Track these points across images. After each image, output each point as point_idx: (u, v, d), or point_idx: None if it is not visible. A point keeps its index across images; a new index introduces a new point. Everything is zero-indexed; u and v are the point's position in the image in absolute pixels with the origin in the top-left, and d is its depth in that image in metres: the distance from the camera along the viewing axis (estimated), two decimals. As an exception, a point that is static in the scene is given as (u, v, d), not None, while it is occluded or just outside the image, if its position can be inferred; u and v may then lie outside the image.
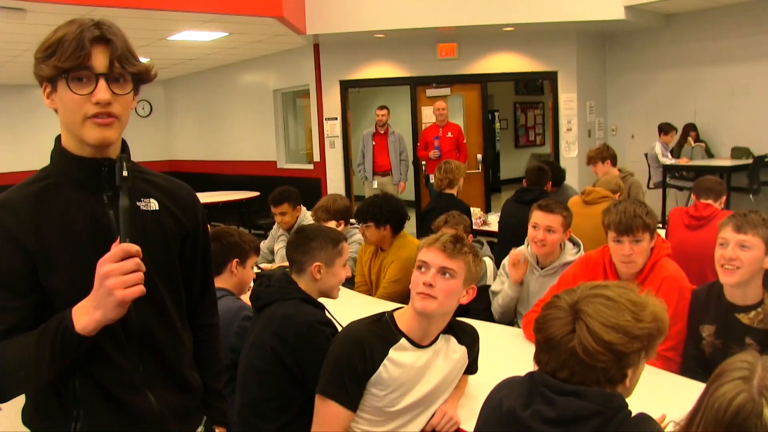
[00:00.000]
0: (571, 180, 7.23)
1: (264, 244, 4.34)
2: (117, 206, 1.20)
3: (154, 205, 1.32)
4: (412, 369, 1.81)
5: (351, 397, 1.75)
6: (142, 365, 1.30)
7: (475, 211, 5.12)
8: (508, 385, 1.37)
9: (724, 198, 3.77)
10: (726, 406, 1.04)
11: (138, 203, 1.30)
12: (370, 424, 1.80)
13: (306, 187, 6.76)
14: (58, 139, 1.28)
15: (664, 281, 2.37)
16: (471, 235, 3.28)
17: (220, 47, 8.00)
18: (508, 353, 2.47)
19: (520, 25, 7.31)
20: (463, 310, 3.03)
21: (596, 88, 8.49)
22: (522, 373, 1.33)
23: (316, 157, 8.57)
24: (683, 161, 7.39)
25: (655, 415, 1.25)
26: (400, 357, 1.79)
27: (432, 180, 5.94)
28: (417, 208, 7.92)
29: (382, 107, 7.70)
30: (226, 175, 10.22)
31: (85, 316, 1.15)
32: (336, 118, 8.24)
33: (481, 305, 3.14)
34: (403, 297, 2.99)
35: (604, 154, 5.22)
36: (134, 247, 1.15)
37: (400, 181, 7.69)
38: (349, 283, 3.54)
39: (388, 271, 3.41)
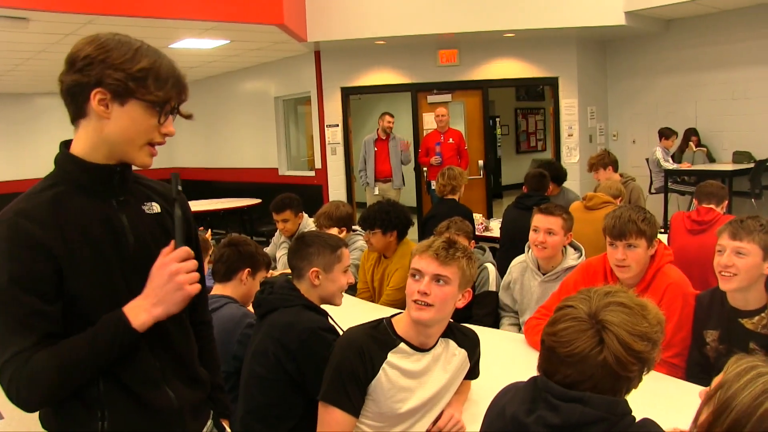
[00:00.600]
0: (573, 185, 7.23)
1: (266, 252, 4.33)
2: (129, 211, 1.31)
3: (156, 208, 1.39)
4: (412, 373, 1.80)
5: (353, 402, 1.74)
6: (159, 361, 1.34)
7: (477, 217, 5.12)
8: (511, 391, 1.36)
9: (726, 202, 3.77)
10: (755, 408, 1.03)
11: (143, 207, 1.36)
12: (374, 429, 1.80)
13: (307, 194, 6.77)
14: (64, 144, 1.30)
15: (668, 288, 2.36)
16: (473, 241, 3.27)
17: (221, 55, 8.03)
18: (511, 359, 2.46)
19: (521, 31, 7.33)
20: (465, 315, 3.03)
21: (597, 94, 8.50)
22: (525, 378, 1.33)
23: (318, 164, 8.59)
24: (685, 166, 7.38)
25: (659, 421, 1.24)
26: (399, 361, 1.78)
27: (434, 186, 5.95)
28: (419, 214, 7.92)
29: (390, 114, 7.71)
30: (227, 182, 10.23)
31: (144, 313, 1.23)
32: (337, 125, 8.25)
33: (483, 310, 3.14)
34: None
35: (606, 161, 5.22)
36: (191, 251, 1.28)
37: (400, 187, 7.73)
38: (352, 290, 3.53)
39: (392, 279, 3.40)
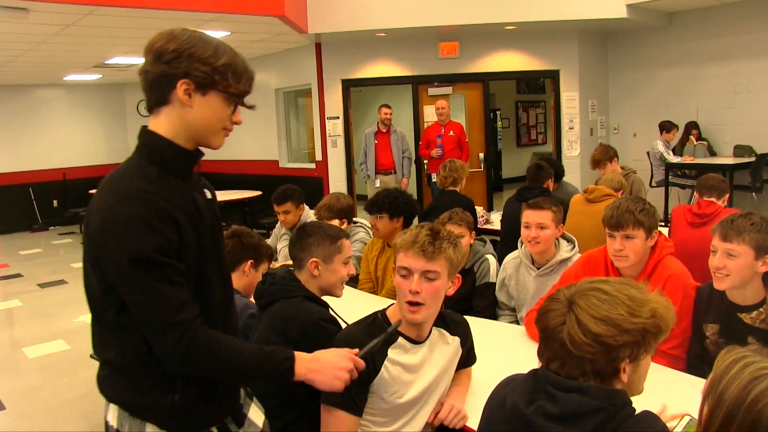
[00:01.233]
0: (573, 178, 7.23)
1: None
2: (200, 194, 1.46)
3: (208, 194, 1.52)
4: (412, 367, 1.81)
5: (356, 402, 1.74)
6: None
7: (478, 210, 5.12)
8: (511, 382, 1.37)
9: (727, 196, 3.78)
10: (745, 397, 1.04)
11: (204, 191, 1.50)
12: (376, 425, 1.80)
13: (308, 187, 6.76)
14: (151, 132, 1.38)
15: (668, 280, 2.37)
16: (474, 232, 3.27)
17: (221, 46, 7.99)
18: (511, 351, 2.47)
19: (522, 24, 7.31)
20: (466, 307, 3.04)
21: (598, 87, 8.48)
22: (525, 370, 1.33)
23: (318, 156, 8.58)
24: (687, 159, 7.38)
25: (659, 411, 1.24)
26: (399, 357, 1.79)
27: (434, 178, 5.94)
28: (419, 206, 7.91)
29: (387, 106, 7.71)
30: (228, 174, 10.22)
31: (305, 369, 1.43)
32: (338, 117, 8.25)
33: (484, 302, 3.14)
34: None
35: (610, 153, 5.22)
36: (363, 366, 1.54)
37: (404, 178, 7.70)
38: (354, 281, 3.54)
39: (396, 269, 3.40)
